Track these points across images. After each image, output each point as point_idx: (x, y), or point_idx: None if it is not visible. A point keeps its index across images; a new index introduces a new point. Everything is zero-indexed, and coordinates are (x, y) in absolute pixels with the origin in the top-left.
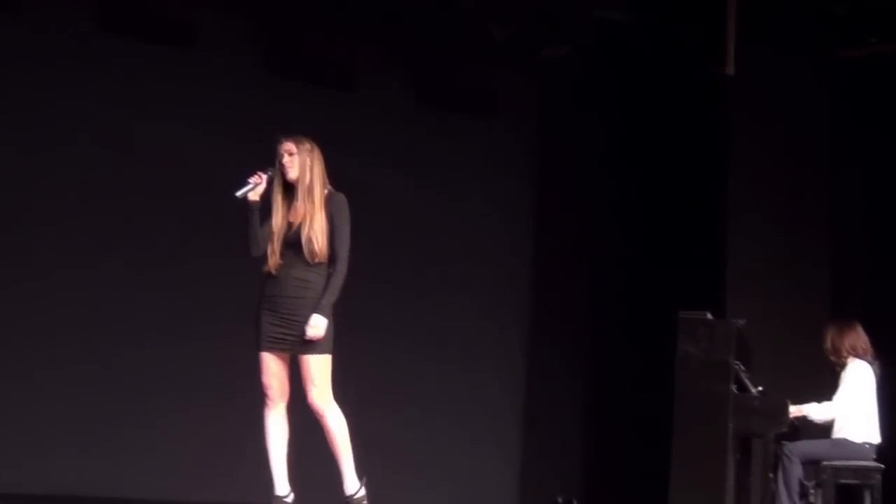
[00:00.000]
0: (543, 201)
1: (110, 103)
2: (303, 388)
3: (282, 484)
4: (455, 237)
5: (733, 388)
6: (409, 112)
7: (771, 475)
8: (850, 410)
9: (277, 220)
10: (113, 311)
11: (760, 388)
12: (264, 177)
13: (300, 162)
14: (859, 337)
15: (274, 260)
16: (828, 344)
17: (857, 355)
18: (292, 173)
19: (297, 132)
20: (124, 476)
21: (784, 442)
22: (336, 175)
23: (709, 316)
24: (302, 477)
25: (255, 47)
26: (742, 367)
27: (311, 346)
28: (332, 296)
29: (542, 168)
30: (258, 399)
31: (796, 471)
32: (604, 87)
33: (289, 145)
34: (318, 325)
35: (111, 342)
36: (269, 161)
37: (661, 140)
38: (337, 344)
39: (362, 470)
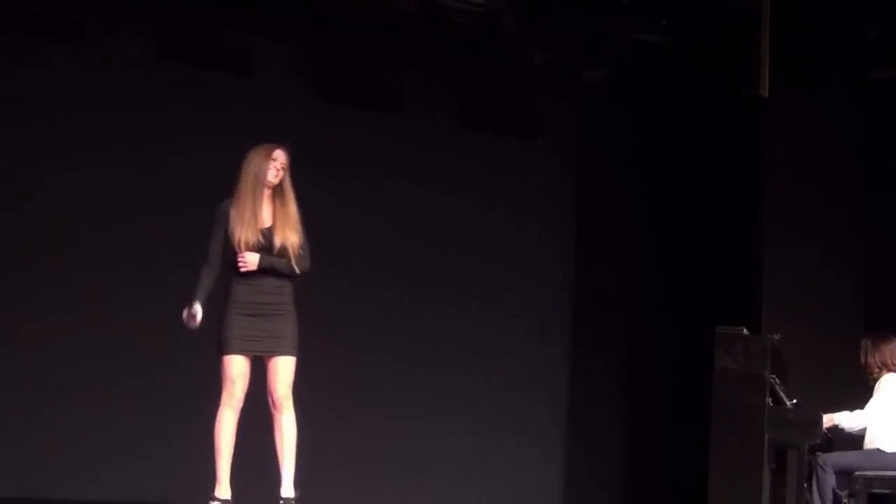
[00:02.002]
0: (584, 221)
1: (171, 131)
2: (268, 389)
3: (228, 487)
4: (498, 256)
5: (769, 400)
6: (453, 134)
7: (805, 485)
8: (881, 421)
9: (252, 226)
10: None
11: (795, 401)
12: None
13: (286, 174)
14: (894, 351)
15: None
16: (863, 358)
17: (891, 369)
18: (276, 181)
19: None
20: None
21: (818, 453)
22: (380, 195)
23: (745, 331)
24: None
25: (305, 72)
26: (777, 381)
27: (287, 347)
28: None
29: (583, 189)
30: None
31: (830, 481)
32: (642, 109)
33: (284, 160)
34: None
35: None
36: (321, 183)
37: (697, 160)
38: (383, 355)
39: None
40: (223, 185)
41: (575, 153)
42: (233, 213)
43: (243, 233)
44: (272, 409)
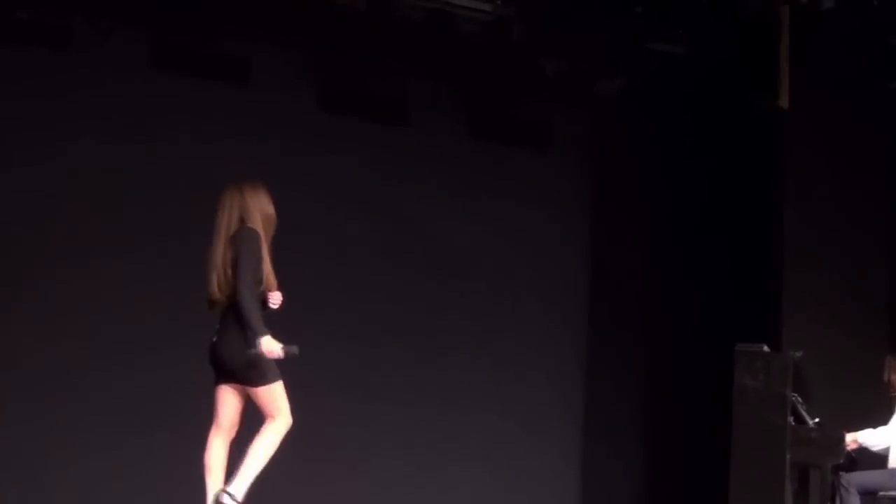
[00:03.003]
0: (599, 235)
1: (165, 142)
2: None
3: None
4: (510, 271)
5: (790, 419)
6: (462, 146)
7: None
8: None
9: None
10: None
11: (817, 420)
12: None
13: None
14: None
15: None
16: (886, 375)
17: None
18: None
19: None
20: None
21: (841, 473)
22: (390, 209)
23: (765, 348)
24: None
25: (306, 83)
26: (799, 399)
27: None
28: None
29: (598, 202)
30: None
31: (853, 501)
32: (658, 121)
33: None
34: None
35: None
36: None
37: (716, 172)
38: (406, 356)
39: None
40: (218, 197)
41: (589, 165)
42: (259, 249)
43: (272, 272)
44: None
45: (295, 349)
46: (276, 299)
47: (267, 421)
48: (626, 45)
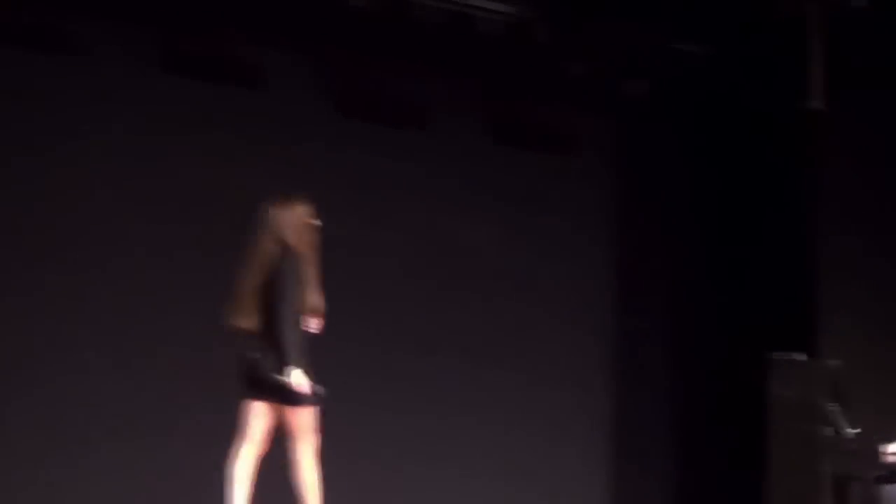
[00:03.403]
0: (626, 241)
1: (180, 148)
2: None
3: None
4: (535, 278)
5: (829, 430)
6: (483, 151)
7: None
8: None
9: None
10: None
11: (857, 430)
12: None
13: None
14: None
15: None
16: None
17: None
18: None
19: (361, 175)
20: None
21: (882, 485)
22: (410, 215)
23: (802, 357)
24: None
25: (321, 86)
26: (838, 409)
27: None
28: None
29: (624, 206)
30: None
31: None
32: (686, 123)
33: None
34: None
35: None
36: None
37: (748, 176)
38: (427, 367)
39: None
40: (234, 203)
41: (615, 169)
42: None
43: (317, 299)
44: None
45: (321, 390)
46: (314, 325)
47: (296, 443)
48: (652, 45)
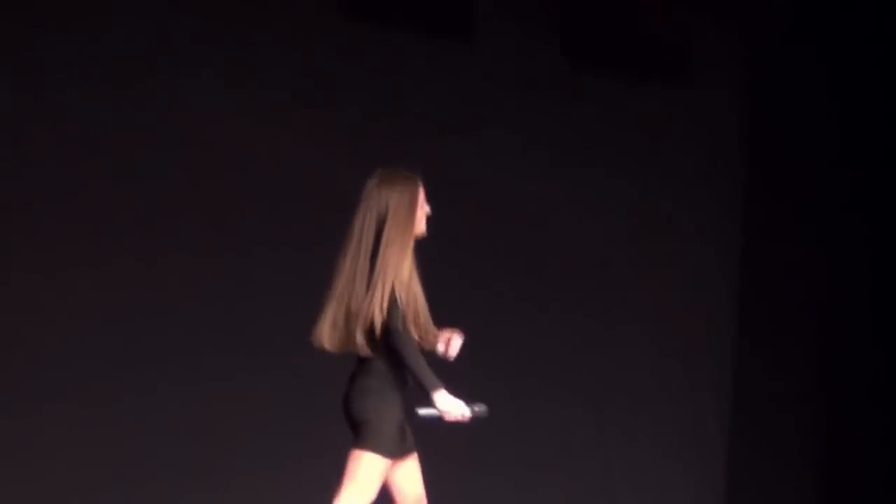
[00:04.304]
0: (753, 194)
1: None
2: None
3: None
4: (635, 248)
5: None
6: (556, 76)
7: None
8: None
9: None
10: None
11: None
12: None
13: None
14: None
15: None
16: None
17: None
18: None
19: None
20: None
21: None
22: (461, 169)
23: None
24: None
25: None
26: None
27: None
28: None
29: (751, 153)
30: None
31: None
32: (834, 45)
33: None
34: None
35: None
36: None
37: None
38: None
39: None
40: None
41: (742, 103)
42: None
43: (421, 309)
44: None
45: (484, 409)
46: (452, 346)
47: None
48: None
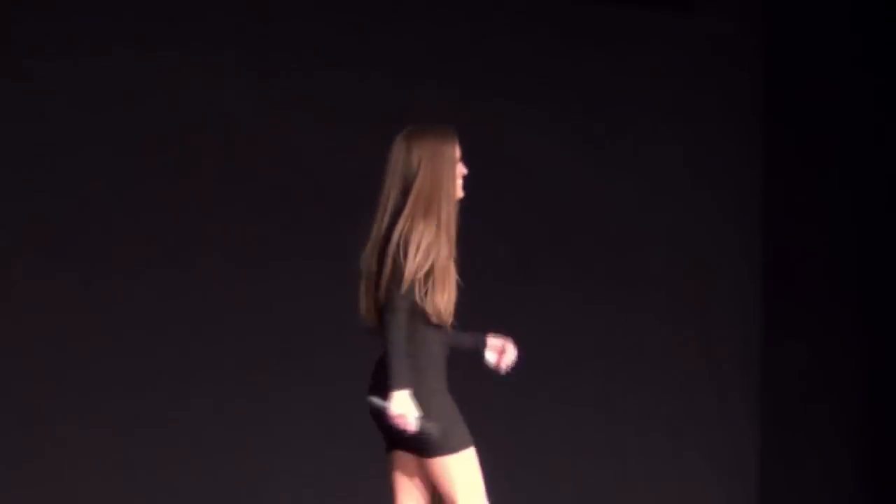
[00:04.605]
0: (773, 149)
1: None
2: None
3: None
4: (646, 206)
5: None
6: (560, 7)
7: None
8: None
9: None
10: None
11: None
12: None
13: None
14: None
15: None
16: None
17: None
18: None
19: None
20: None
21: None
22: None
23: None
24: None
25: None
26: None
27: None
28: None
29: (770, 103)
30: None
31: None
32: None
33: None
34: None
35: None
36: None
37: None
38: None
39: None
40: None
41: (760, 39)
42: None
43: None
44: None
45: (435, 428)
46: (506, 359)
47: None
48: None
